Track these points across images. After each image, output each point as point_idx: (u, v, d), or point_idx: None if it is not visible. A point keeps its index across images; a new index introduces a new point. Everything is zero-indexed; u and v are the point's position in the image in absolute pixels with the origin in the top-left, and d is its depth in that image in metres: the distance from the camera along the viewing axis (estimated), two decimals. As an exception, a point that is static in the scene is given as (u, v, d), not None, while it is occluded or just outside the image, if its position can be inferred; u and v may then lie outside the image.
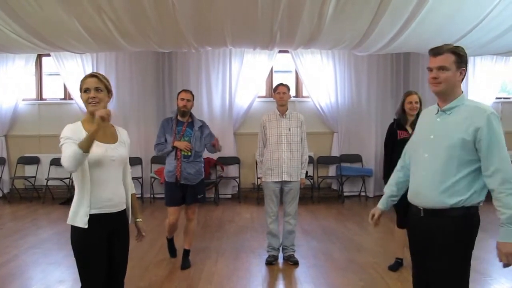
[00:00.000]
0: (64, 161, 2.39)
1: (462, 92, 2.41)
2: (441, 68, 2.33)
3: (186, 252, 4.81)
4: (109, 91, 2.65)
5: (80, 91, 2.61)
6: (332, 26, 5.82)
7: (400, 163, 2.75)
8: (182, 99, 4.66)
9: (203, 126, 4.76)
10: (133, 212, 2.85)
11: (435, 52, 2.37)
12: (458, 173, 2.29)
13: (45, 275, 4.50)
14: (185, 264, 4.72)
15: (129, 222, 2.80)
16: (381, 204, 2.76)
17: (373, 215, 2.76)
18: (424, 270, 2.47)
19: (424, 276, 2.49)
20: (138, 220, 2.88)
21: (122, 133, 2.78)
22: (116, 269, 2.69)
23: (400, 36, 6.13)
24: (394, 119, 4.64)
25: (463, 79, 2.39)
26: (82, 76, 7.27)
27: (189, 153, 4.62)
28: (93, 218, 2.52)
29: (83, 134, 2.49)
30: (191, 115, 4.78)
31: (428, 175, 2.40)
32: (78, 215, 2.52)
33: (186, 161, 4.61)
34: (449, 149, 2.31)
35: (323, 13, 5.39)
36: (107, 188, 2.58)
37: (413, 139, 2.64)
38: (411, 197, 2.54)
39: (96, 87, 2.56)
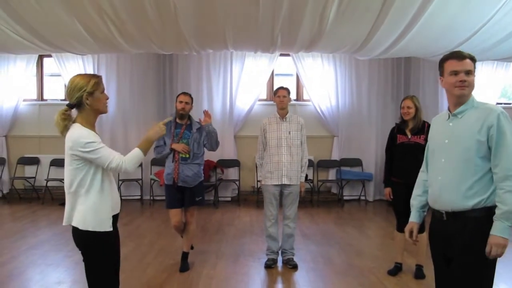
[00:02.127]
0: (128, 166, 2.50)
1: (472, 95, 2.46)
2: (468, 72, 2.40)
3: (185, 255, 4.80)
4: None
5: (93, 91, 2.50)
6: (333, 30, 5.82)
7: (422, 174, 2.73)
8: (181, 102, 4.67)
9: (201, 128, 4.73)
10: None
11: (460, 56, 2.43)
12: (476, 174, 2.33)
13: (43, 276, 4.50)
14: (184, 267, 4.72)
15: None
16: (414, 218, 2.70)
17: (412, 231, 2.67)
18: (447, 274, 2.47)
19: (447, 281, 2.47)
20: None
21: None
22: (118, 264, 2.74)
23: (401, 41, 6.13)
24: (396, 124, 4.66)
25: None
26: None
27: (187, 155, 4.62)
28: (114, 219, 2.59)
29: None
30: (189, 118, 4.78)
31: (446, 179, 2.43)
32: (102, 219, 2.52)
33: (184, 163, 4.61)
34: (464, 152, 2.36)
35: (325, 17, 5.40)
36: (115, 189, 2.67)
37: (429, 146, 2.66)
38: (431, 203, 2.56)
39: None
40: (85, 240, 2.53)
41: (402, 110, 4.48)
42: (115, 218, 2.63)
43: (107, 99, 2.60)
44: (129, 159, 2.49)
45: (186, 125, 4.71)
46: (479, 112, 2.36)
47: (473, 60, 2.43)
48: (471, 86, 2.41)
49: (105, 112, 2.61)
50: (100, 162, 2.45)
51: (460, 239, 2.37)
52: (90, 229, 2.49)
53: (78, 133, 2.45)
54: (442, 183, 2.45)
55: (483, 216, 2.31)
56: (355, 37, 6.24)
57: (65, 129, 2.49)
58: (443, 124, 2.53)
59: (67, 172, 2.53)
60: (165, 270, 4.71)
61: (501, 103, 8.85)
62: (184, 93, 4.79)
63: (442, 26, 5.61)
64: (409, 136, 4.44)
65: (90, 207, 2.50)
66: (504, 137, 2.28)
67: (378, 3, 5.13)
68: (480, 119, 2.33)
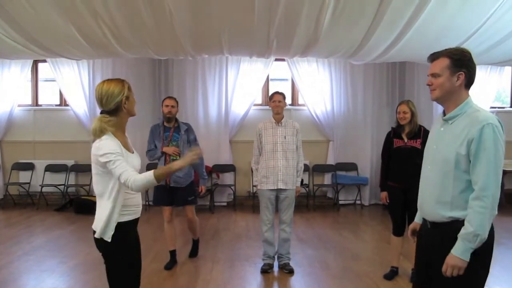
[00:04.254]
0: (133, 186, 2.39)
1: (468, 97, 2.26)
2: (434, 75, 2.28)
3: (195, 242, 5.28)
4: None
5: (129, 95, 2.64)
6: (328, 35, 5.84)
7: None
8: (167, 106, 4.90)
9: (189, 129, 4.98)
10: None
11: (431, 58, 2.33)
12: (456, 188, 2.19)
13: (38, 282, 4.47)
14: (193, 253, 5.25)
15: None
16: (418, 219, 2.59)
17: (414, 230, 2.59)
18: (425, 281, 2.40)
19: (424, 284, 2.42)
20: None
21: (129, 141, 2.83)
22: (138, 269, 2.74)
23: (396, 46, 6.17)
24: (392, 128, 4.67)
25: (468, 83, 2.26)
26: (78, 82, 7.37)
27: (178, 157, 4.76)
28: (128, 225, 2.58)
29: (121, 148, 2.51)
30: (176, 120, 4.99)
31: (428, 188, 2.35)
32: (107, 229, 2.50)
33: None
34: (444, 164, 2.23)
35: (320, 21, 5.42)
36: (136, 195, 2.67)
37: (425, 149, 2.52)
38: (419, 209, 2.50)
39: None
40: (98, 245, 2.57)
41: (398, 115, 4.50)
42: (131, 224, 2.62)
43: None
44: (138, 179, 2.39)
45: (174, 128, 4.93)
46: (467, 121, 2.18)
47: (450, 57, 2.24)
48: (439, 88, 2.25)
49: (135, 114, 2.69)
50: (114, 173, 2.43)
51: (438, 253, 2.25)
52: (99, 235, 2.52)
53: (103, 142, 2.47)
54: (425, 192, 2.38)
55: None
56: (350, 42, 6.26)
57: (99, 137, 2.51)
58: (437, 128, 2.40)
59: (93, 178, 2.60)
60: (161, 275, 4.69)
61: (495, 107, 8.92)
62: (170, 97, 5.06)
63: (436, 31, 5.65)
64: (406, 140, 4.45)
65: (102, 213, 2.52)
66: (483, 153, 2.09)
67: (373, 9, 5.16)
68: (464, 130, 2.16)
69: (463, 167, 2.17)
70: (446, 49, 2.29)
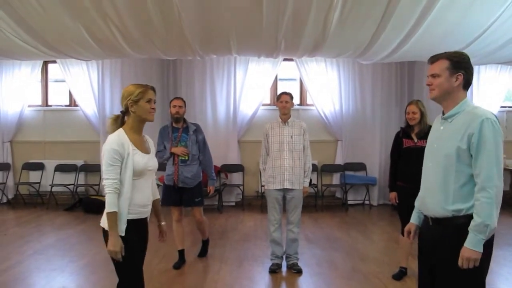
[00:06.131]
0: (106, 197, 2.57)
1: (466, 97, 2.37)
2: (433, 75, 2.39)
3: (204, 242, 5.30)
4: None
5: (138, 99, 2.68)
6: (336, 35, 5.83)
7: None
8: (174, 106, 4.90)
9: (197, 130, 4.97)
10: (158, 216, 3.06)
11: (431, 60, 2.44)
12: (457, 182, 2.26)
13: (48, 281, 4.50)
14: (202, 253, 5.27)
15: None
16: (413, 220, 2.64)
17: (410, 232, 2.64)
18: (429, 279, 2.43)
19: (428, 286, 2.44)
20: (163, 223, 3.07)
21: (150, 143, 2.92)
22: (140, 263, 2.90)
23: (405, 45, 6.14)
24: (401, 128, 4.65)
25: (465, 84, 2.35)
26: (88, 83, 7.46)
27: (186, 157, 4.83)
28: (132, 223, 2.65)
29: (128, 145, 2.62)
30: (184, 120, 4.98)
31: (430, 185, 2.41)
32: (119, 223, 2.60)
33: (183, 165, 4.84)
34: (446, 158, 2.31)
35: (328, 21, 5.41)
36: (145, 195, 2.75)
37: (425, 148, 2.59)
38: (420, 206, 2.54)
39: (155, 100, 2.77)
40: (104, 237, 2.66)
41: (407, 116, 4.47)
42: (137, 222, 2.69)
43: (152, 108, 2.73)
44: (111, 197, 2.55)
45: (182, 128, 4.94)
46: (466, 117, 2.28)
47: (449, 59, 2.33)
48: (438, 88, 2.36)
49: (149, 119, 2.76)
50: (103, 171, 2.60)
51: (441, 248, 2.32)
52: (105, 227, 2.63)
53: (110, 138, 2.63)
54: (426, 188, 2.45)
55: (464, 224, 2.22)
56: (359, 41, 6.25)
57: (111, 132, 2.70)
58: (436, 127, 2.49)
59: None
60: (169, 275, 4.71)
61: (505, 107, 8.82)
62: (177, 98, 5.07)
63: (445, 30, 5.61)
64: (416, 140, 4.43)
65: None
66: (484, 146, 2.18)
67: (381, 9, 5.14)
68: (464, 125, 2.25)
69: (464, 161, 2.25)
70: (445, 52, 2.40)
